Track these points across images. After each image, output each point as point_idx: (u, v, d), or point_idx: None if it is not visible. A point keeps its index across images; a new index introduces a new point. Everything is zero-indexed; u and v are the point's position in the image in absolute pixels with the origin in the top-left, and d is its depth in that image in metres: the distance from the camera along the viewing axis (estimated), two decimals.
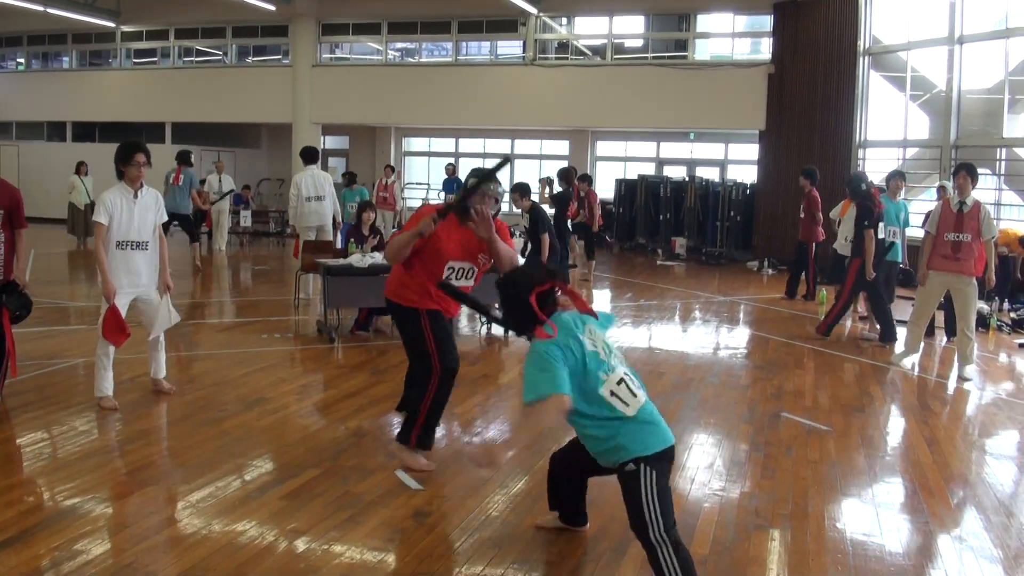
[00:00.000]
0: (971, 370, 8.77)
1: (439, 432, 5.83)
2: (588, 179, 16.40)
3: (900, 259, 10.72)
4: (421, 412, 5.42)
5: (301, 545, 4.35)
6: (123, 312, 6.69)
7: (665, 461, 3.82)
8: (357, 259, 9.47)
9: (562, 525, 4.60)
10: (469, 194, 5.11)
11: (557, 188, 14.83)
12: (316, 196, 12.17)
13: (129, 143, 6.66)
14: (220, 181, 18.56)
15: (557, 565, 4.21)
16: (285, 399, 7.10)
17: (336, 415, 6.68)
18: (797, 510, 5.03)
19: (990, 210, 9.04)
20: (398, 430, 5.63)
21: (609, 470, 3.96)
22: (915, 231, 11.24)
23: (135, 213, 6.66)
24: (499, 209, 5.38)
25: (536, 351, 3.79)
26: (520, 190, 10.88)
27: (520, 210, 10.95)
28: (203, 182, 18.20)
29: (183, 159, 15.01)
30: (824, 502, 5.17)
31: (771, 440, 6.34)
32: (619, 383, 3.82)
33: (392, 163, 23.77)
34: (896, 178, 10.88)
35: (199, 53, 25.90)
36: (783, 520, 4.86)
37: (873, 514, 5.08)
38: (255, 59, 25.61)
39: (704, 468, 5.74)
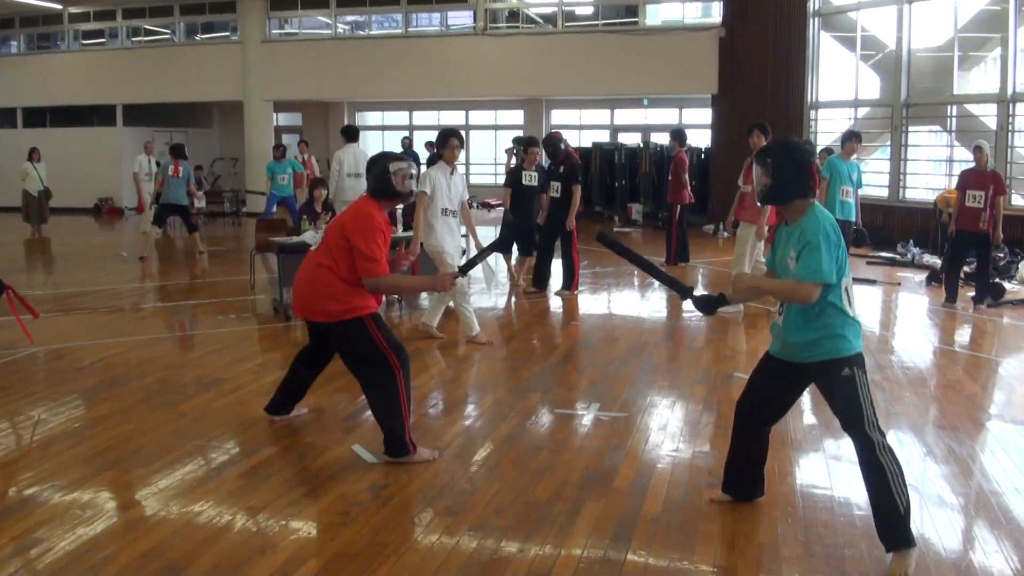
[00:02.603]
0: None
1: None
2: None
3: (854, 218, 10.86)
4: (404, 415, 5.12)
5: (258, 522, 4.38)
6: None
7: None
8: (311, 236, 9.44)
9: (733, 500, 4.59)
10: (475, 263, 5.82)
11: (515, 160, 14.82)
12: (356, 173, 12.33)
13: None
14: (151, 162, 18.35)
15: (513, 530, 4.27)
16: (242, 379, 7.10)
17: None
18: None
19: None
20: (385, 449, 5.17)
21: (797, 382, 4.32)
22: (869, 191, 11.38)
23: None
24: None
25: (830, 231, 4.00)
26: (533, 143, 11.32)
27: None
28: (159, 165, 18.00)
29: (179, 152, 14.85)
30: (776, 458, 5.26)
31: (724, 399, 6.44)
32: (849, 286, 4.11)
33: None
34: (851, 139, 10.94)
35: (147, 32, 25.54)
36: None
37: (824, 467, 5.21)
38: (204, 37, 25.30)
39: (657, 430, 5.83)
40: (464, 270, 5.89)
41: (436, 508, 4.55)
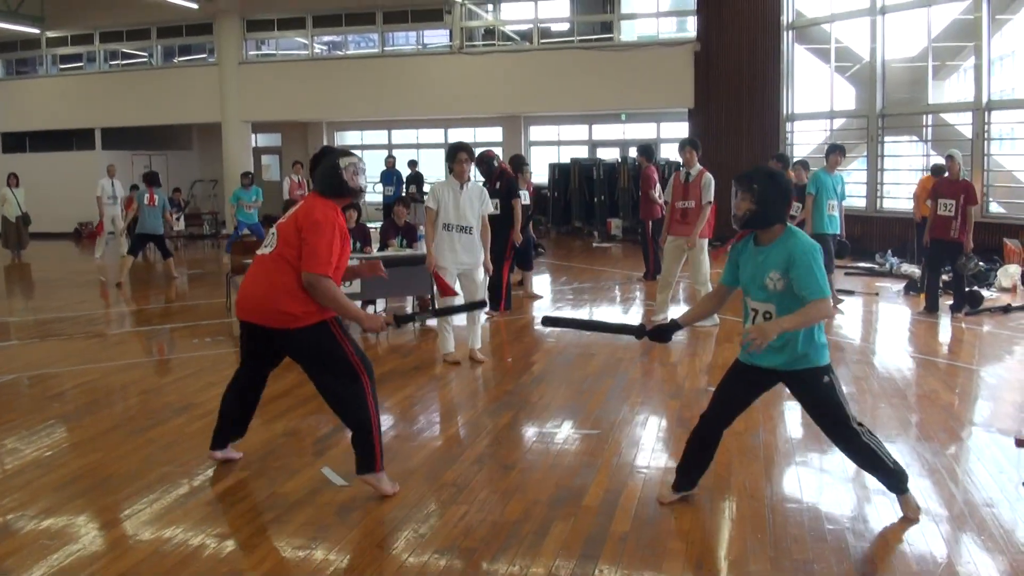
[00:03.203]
0: None
1: None
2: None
3: (838, 231, 10.85)
4: (373, 425, 4.90)
5: (226, 548, 4.37)
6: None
7: None
8: None
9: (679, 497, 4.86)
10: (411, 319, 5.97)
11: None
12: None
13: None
14: (113, 186, 18.27)
15: (480, 551, 4.26)
16: (214, 403, 6.92)
17: (265, 416, 6.64)
18: (720, 482, 5.13)
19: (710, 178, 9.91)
20: (357, 463, 4.98)
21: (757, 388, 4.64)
22: (847, 202, 11.42)
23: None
24: None
25: (815, 249, 4.31)
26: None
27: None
28: (134, 188, 17.97)
29: (152, 180, 14.80)
30: (747, 473, 5.29)
31: (697, 415, 6.34)
32: None
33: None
34: (835, 152, 10.95)
35: (125, 56, 25.54)
36: (705, 493, 4.95)
37: (795, 480, 5.22)
38: (181, 59, 25.33)
39: (628, 447, 5.83)
40: (400, 320, 5.42)
41: (404, 530, 4.54)
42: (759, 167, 4.55)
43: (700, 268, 9.90)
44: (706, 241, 9.98)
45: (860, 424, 4.53)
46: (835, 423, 4.48)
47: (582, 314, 11.09)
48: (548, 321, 5.26)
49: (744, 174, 4.39)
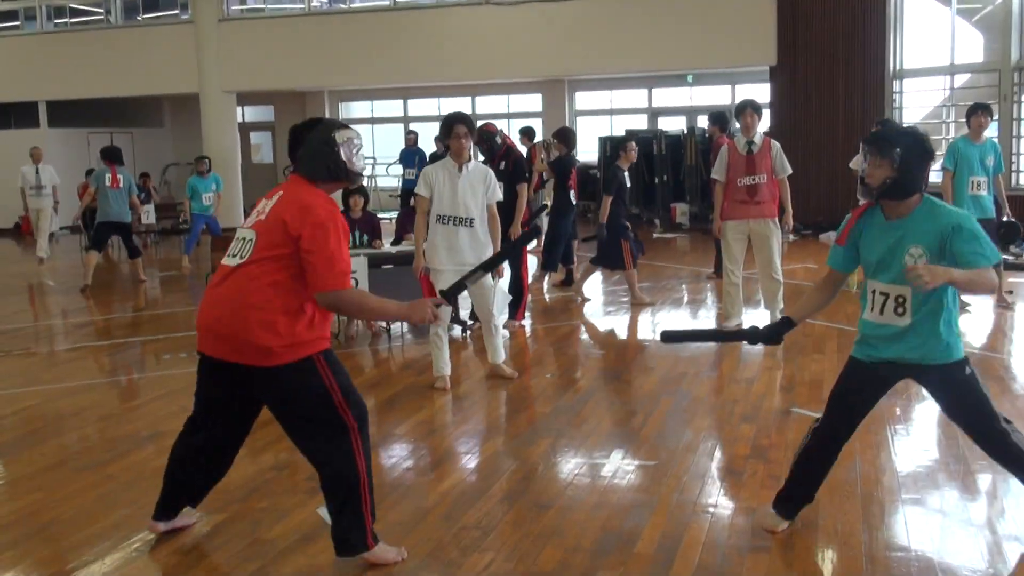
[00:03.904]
0: None
1: None
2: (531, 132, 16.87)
3: (992, 214, 10.45)
4: (362, 490, 4.64)
5: None
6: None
7: None
8: None
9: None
10: (462, 287, 5.31)
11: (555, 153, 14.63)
12: None
13: None
14: (38, 174, 18.43)
15: None
16: None
17: (250, 446, 6.65)
18: (806, 525, 5.08)
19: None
20: (340, 543, 4.72)
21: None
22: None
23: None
24: None
25: (970, 215, 4.59)
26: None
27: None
28: (91, 172, 18.10)
29: (114, 157, 14.76)
30: (839, 513, 5.24)
31: (777, 443, 6.41)
32: None
33: None
34: (976, 113, 10.47)
35: (74, 13, 25.61)
36: (786, 539, 4.93)
37: (901, 523, 5.16)
38: (147, 16, 25.49)
39: (692, 480, 5.80)
40: (449, 295, 5.21)
41: None
42: (894, 126, 4.85)
43: (775, 257, 9.91)
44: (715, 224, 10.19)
45: (1008, 421, 4.69)
46: (981, 420, 4.67)
47: (636, 319, 11.05)
48: (668, 337, 5.38)
49: (881, 135, 4.55)
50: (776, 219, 9.96)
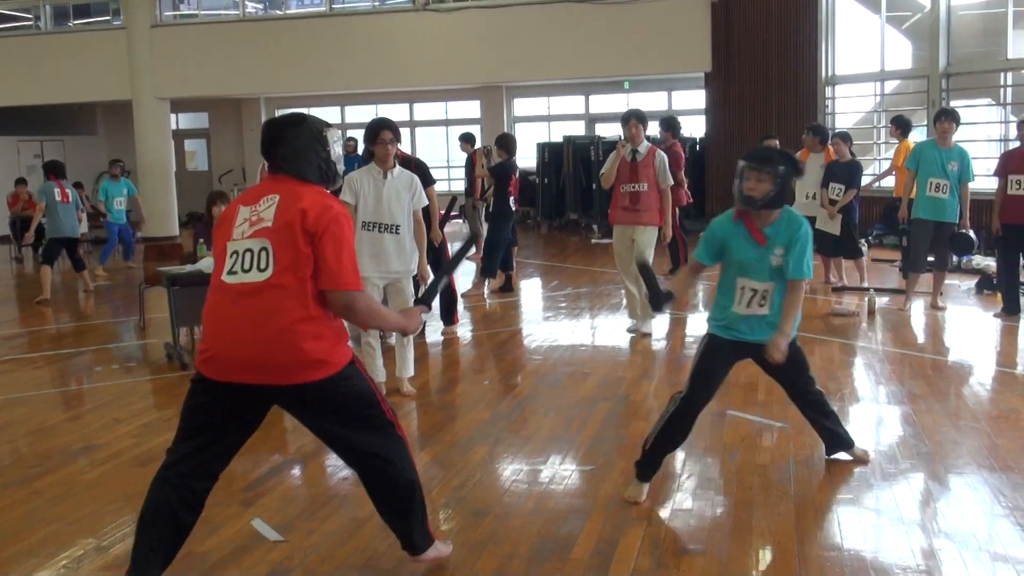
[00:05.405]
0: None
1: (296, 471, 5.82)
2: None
3: (950, 218, 10.66)
4: (418, 485, 4.65)
5: None
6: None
7: None
8: (208, 264, 9.39)
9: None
10: (435, 289, 5.11)
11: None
12: None
13: None
14: None
15: None
16: (121, 443, 7.03)
17: None
18: (739, 526, 5.13)
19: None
20: (408, 547, 4.72)
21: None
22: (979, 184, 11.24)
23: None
24: None
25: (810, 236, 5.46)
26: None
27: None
28: (20, 182, 17.84)
29: (59, 171, 14.63)
30: (773, 514, 5.28)
31: (712, 445, 6.45)
32: None
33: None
34: (942, 119, 10.64)
35: (3, 19, 25.27)
36: (720, 540, 4.97)
37: (834, 523, 5.21)
38: (78, 22, 25.20)
39: (628, 485, 5.81)
40: (427, 301, 4.97)
41: None
42: (772, 149, 5.91)
43: (647, 256, 9.84)
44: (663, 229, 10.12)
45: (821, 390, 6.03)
46: (806, 382, 5.86)
47: (574, 325, 11.08)
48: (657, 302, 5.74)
49: (765, 155, 5.43)
50: (658, 227, 10.01)
